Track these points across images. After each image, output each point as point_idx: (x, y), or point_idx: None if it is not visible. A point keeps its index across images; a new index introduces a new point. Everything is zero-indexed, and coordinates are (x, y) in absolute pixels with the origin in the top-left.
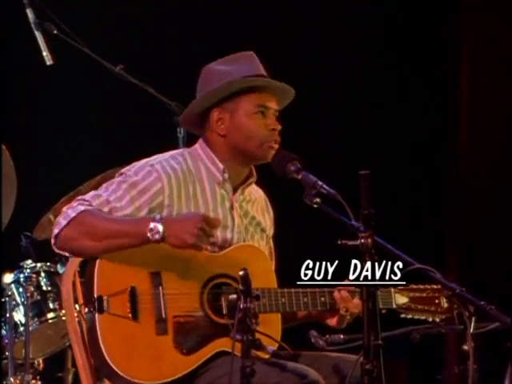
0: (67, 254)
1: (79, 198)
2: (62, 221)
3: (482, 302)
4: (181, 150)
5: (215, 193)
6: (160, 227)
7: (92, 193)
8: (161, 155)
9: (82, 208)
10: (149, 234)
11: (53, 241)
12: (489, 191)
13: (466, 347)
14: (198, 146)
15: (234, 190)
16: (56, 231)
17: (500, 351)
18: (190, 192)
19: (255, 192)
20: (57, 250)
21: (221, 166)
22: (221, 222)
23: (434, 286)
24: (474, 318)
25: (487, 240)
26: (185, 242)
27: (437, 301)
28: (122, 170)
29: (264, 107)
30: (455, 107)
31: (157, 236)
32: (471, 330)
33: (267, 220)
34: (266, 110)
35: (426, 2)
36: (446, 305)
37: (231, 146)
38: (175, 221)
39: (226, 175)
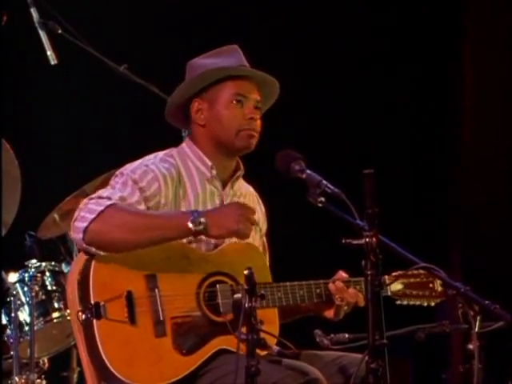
0: (93, 250)
1: (93, 195)
2: (87, 215)
3: (486, 301)
4: (169, 150)
5: (205, 190)
6: (202, 218)
7: (104, 192)
8: (152, 156)
9: (108, 202)
10: (191, 225)
11: (80, 235)
12: (492, 190)
13: (470, 346)
14: (185, 145)
15: (223, 185)
16: (83, 225)
17: (504, 351)
18: (181, 193)
19: (245, 188)
20: (84, 246)
21: (209, 162)
22: (254, 211)
23: None
24: (478, 317)
25: (491, 239)
26: (228, 230)
27: (431, 285)
28: (117, 172)
29: (242, 96)
30: (459, 104)
31: (200, 227)
32: (476, 329)
33: (259, 214)
34: (244, 100)
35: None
36: (439, 288)
37: (211, 136)
38: (214, 211)
39: (214, 171)
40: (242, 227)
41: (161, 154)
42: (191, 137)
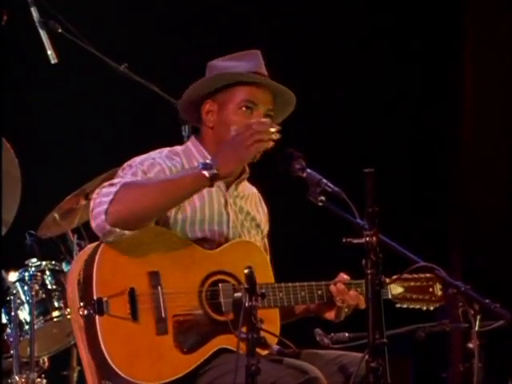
0: (117, 231)
1: (105, 184)
2: (104, 199)
3: (486, 300)
4: (174, 148)
5: (210, 189)
6: (210, 162)
7: (115, 180)
8: (157, 152)
9: (119, 184)
10: (205, 172)
11: (102, 217)
12: (492, 190)
13: (470, 345)
14: (191, 143)
15: (227, 186)
16: (103, 208)
17: (505, 350)
18: None
19: (248, 189)
20: (107, 227)
21: None
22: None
23: (428, 275)
24: (478, 316)
25: (491, 239)
26: (239, 160)
27: (431, 289)
28: (125, 165)
29: (252, 103)
30: (459, 104)
31: (213, 171)
32: (476, 328)
33: (262, 216)
34: (254, 107)
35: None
36: (439, 293)
37: (218, 139)
38: (216, 153)
39: None
40: (252, 148)
41: (166, 150)
42: (198, 136)
